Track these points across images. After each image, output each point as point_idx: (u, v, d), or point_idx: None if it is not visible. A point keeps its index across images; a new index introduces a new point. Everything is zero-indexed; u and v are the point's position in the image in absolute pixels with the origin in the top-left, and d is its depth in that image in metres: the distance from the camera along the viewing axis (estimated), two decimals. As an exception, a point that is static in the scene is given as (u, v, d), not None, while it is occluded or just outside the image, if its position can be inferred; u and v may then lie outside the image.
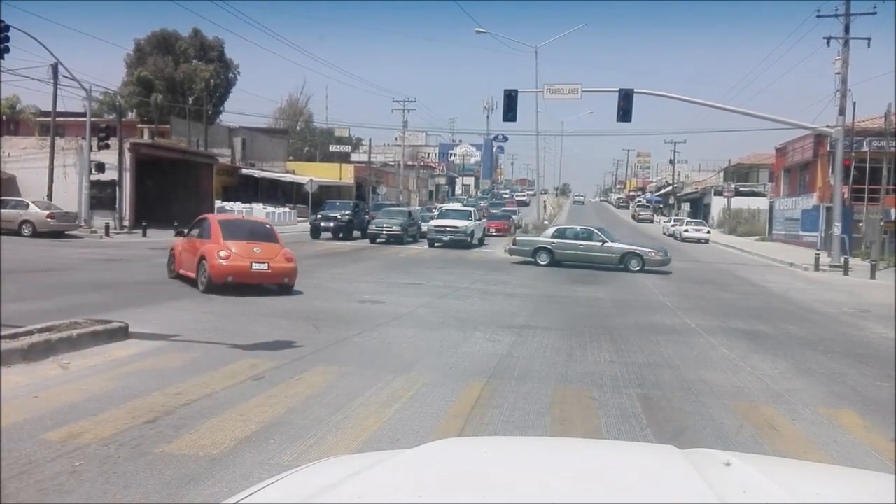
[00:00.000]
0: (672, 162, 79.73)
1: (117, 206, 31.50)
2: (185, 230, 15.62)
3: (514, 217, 47.91)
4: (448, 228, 29.71)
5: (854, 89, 28.64)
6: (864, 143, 33.06)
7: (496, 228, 39.74)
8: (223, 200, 42.35)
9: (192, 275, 13.86)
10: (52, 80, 31.82)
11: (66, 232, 27.50)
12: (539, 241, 23.55)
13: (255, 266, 13.38)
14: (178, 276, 14.76)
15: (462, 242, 29.35)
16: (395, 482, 1.47)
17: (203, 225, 14.76)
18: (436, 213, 36.14)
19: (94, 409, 5.69)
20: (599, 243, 22.92)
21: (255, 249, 13.66)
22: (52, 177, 31.82)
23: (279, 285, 13.75)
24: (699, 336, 10.91)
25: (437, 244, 29.50)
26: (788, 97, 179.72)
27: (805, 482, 1.58)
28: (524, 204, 78.50)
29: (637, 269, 22.05)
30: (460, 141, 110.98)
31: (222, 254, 13.25)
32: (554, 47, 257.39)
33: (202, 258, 13.47)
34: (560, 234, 23.77)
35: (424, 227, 34.69)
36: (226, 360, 7.71)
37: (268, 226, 15.96)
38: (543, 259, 22.70)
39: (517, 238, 25.53)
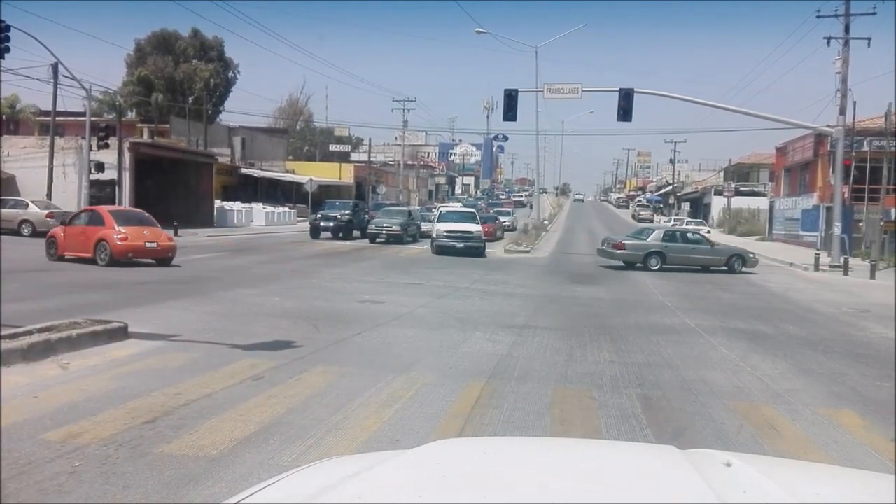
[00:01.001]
0: (672, 161, 79.69)
1: (117, 205, 31.49)
2: (67, 220, 18.88)
3: (501, 219, 42.85)
4: (461, 234, 26.01)
5: (854, 89, 28.56)
6: (865, 143, 33.08)
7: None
8: (223, 200, 42.37)
9: (87, 255, 17.06)
10: (52, 80, 31.90)
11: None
12: (651, 245, 22.92)
13: (148, 245, 17.28)
14: (61, 258, 17.64)
15: (477, 250, 25.89)
16: (396, 482, 1.47)
17: (92, 215, 18.22)
18: (435, 214, 31.20)
19: (93, 410, 5.69)
20: (710, 246, 24.07)
21: (144, 232, 17.49)
22: (52, 176, 31.85)
23: (163, 259, 17.60)
24: (699, 336, 10.91)
25: (446, 252, 25.26)
26: (788, 97, 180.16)
27: (805, 482, 1.57)
28: (521, 205, 77.57)
29: (740, 269, 23.04)
30: (460, 140, 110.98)
31: (120, 237, 16.92)
32: (554, 47, 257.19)
33: (101, 240, 16.93)
34: (670, 237, 23.64)
35: (425, 227, 34.59)
36: (225, 360, 7.71)
37: (146, 214, 19.37)
38: (654, 264, 22.30)
39: (626, 242, 23.15)
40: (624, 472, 1.60)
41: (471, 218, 28.41)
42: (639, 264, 22.41)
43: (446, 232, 26.11)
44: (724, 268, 23.18)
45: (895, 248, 29.33)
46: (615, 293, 16.52)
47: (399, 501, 1.36)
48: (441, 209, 29.96)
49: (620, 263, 22.70)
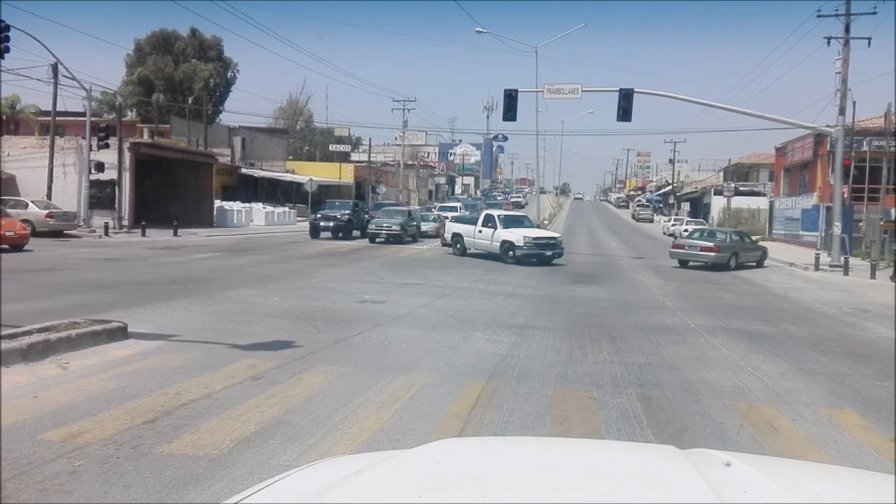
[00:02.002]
0: (672, 161, 79.70)
1: (117, 205, 31.49)
2: None
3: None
4: (549, 241, 23.71)
5: (854, 89, 28.81)
6: (864, 143, 33.06)
7: None
8: (223, 200, 42.35)
9: None
10: (51, 80, 31.85)
11: (66, 231, 27.52)
12: (732, 245, 25.29)
13: (7, 233, 20.21)
14: None
15: (559, 257, 23.88)
16: (395, 482, 1.46)
17: None
18: (479, 217, 26.24)
19: (93, 410, 5.69)
20: (754, 244, 28.42)
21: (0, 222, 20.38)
22: (52, 176, 31.83)
23: (18, 245, 20.42)
24: (699, 336, 10.90)
25: (531, 261, 22.82)
26: (788, 97, 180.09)
27: (805, 482, 1.57)
28: (519, 206, 76.72)
29: (762, 262, 26.84)
30: (460, 140, 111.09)
31: None
32: (554, 47, 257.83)
33: None
34: (736, 238, 26.50)
35: (424, 227, 34.58)
36: (225, 360, 7.71)
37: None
38: (732, 264, 24.70)
39: (720, 245, 24.76)
40: (624, 472, 1.60)
41: (530, 221, 26.92)
42: (720, 264, 24.30)
43: (535, 240, 23.35)
44: (755, 263, 26.28)
45: (895, 248, 29.32)
46: (615, 293, 16.51)
47: (399, 501, 1.36)
48: (498, 214, 26.24)
49: (676, 263, 25.10)
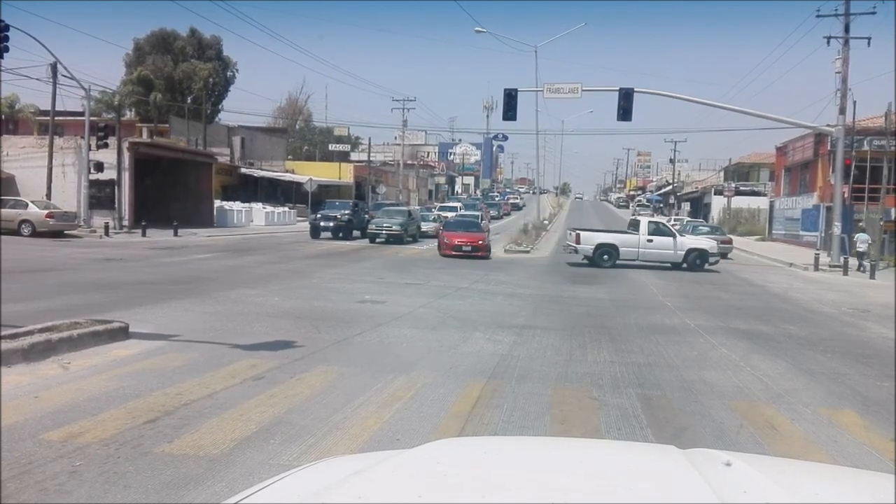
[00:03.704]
0: (672, 161, 79.61)
1: (116, 205, 31.44)
2: None
3: (485, 224, 34.10)
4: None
5: (854, 89, 28.69)
6: (865, 143, 33.08)
7: (471, 245, 25.07)
8: (222, 200, 42.32)
9: None
10: (51, 80, 31.78)
11: (66, 231, 27.51)
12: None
13: None
14: None
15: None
16: (395, 482, 1.47)
17: None
18: (645, 226, 24.20)
19: (94, 409, 5.69)
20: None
21: None
22: (51, 176, 31.79)
23: None
24: (699, 336, 10.91)
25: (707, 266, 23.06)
26: (788, 96, 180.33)
27: (805, 482, 1.58)
28: (517, 207, 76.26)
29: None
30: (460, 140, 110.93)
31: None
32: (554, 47, 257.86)
33: None
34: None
35: (425, 227, 34.57)
36: (226, 360, 7.71)
37: None
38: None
39: (730, 238, 31.14)
40: (624, 472, 1.60)
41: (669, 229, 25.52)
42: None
43: (710, 248, 24.09)
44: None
45: (895, 248, 29.33)
46: (615, 293, 16.52)
47: (399, 501, 1.36)
48: (666, 221, 25.67)
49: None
